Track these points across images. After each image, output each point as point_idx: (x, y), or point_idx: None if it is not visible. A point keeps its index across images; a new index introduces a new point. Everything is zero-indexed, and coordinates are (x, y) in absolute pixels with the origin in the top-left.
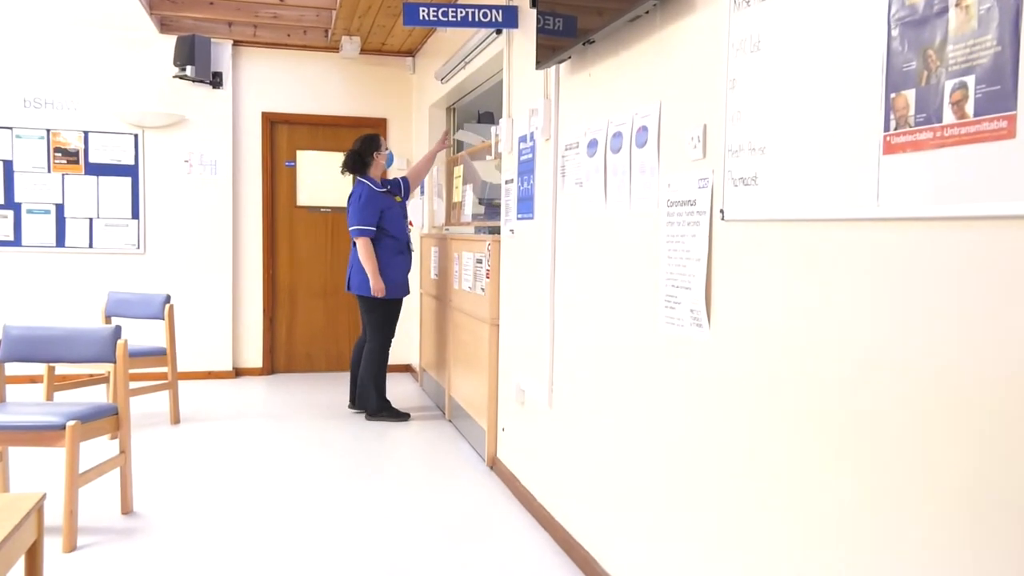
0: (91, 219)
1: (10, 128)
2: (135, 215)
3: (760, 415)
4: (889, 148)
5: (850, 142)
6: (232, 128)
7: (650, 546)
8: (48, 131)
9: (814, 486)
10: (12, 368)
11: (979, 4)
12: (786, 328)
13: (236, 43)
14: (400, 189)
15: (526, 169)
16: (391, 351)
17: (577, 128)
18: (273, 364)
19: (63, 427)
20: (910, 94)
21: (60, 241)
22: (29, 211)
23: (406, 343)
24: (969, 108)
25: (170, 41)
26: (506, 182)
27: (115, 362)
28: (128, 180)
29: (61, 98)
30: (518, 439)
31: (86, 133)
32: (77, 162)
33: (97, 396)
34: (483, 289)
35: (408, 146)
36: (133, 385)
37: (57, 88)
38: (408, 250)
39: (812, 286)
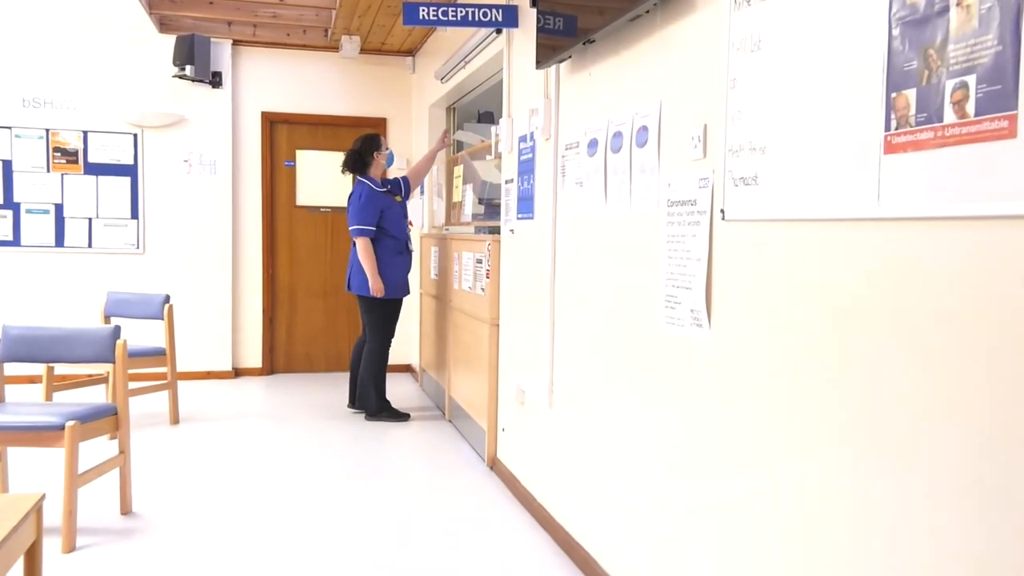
0: (90, 219)
1: (9, 128)
2: (134, 215)
3: (761, 415)
4: (890, 148)
5: (851, 142)
6: (231, 128)
7: (651, 547)
8: (47, 131)
9: (815, 486)
10: (11, 368)
11: (980, 3)
12: (787, 328)
13: (236, 42)
14: (400, 189)
15: (526, 169)
16: (391, 351)
17: (577, 128)
18: (273, 364)
19: (62, 427)
20: (911, 94)
21: (59, 241)
22: (28, 211)
23: (406, 343)
24: (970, 108)
25: (169, 40)
26: (506, 182)
27: (114, 362)
28: (127, 180)
29: (60, 98)
30: (518, 439)
31: (85, 133)
32: (76, 162)
33: (96, 396)
34: (483, 289)
35: (408, 146)
36: (132, 385)
37: (56, 88)
38: (408, 250)
39: (813, 286)
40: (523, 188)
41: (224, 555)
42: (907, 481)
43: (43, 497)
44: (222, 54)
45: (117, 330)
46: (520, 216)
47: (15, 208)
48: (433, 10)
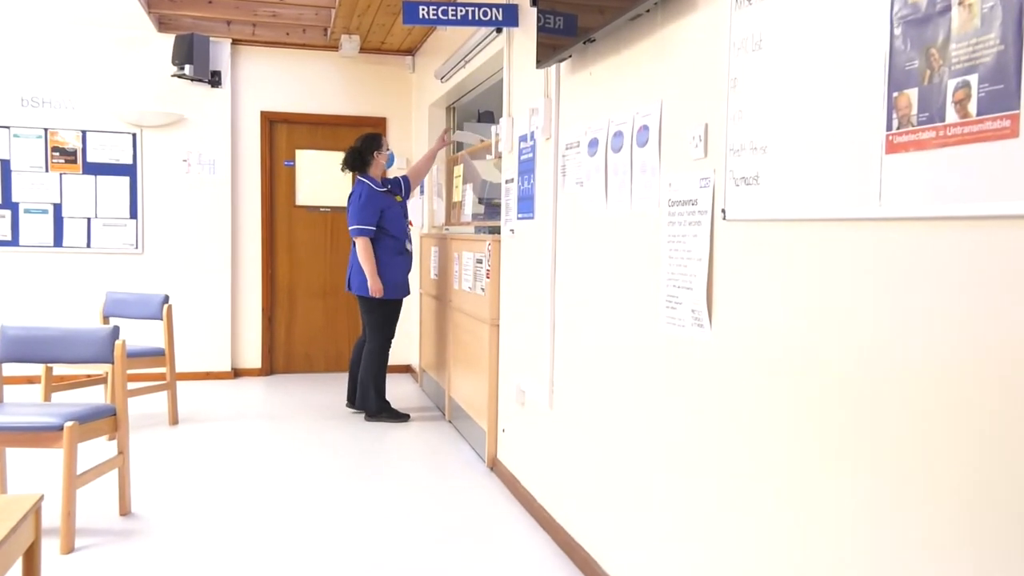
0: (89, 219)
1: (8, 127)
2: (133, 215)
3: (761, 416)
4: (891, 147)
5: (852, 141)
6: (231, 127)
7: (651, 548)
8: (46, 130)
9: (815, 487)
10: (10, 368)
11: (982, 3)
12: (788, 328)
13: (235, 42)
14: (400, 188)
15: (526, 168)
16: (391, 352)
17: (578, 127)
18: (272, 365)
19: (61, 428)
20: (913, 93)
21: (58, 241)
22: (27, 211)
23: (406, 343)
24: (972, 107)
25: (168, 40)
26: (506, 181)
27: (113, 363)
28: (126, 180)
29: (59, 97)
30: (518, 440)
31: (84, 132)
32: (75, 161)
33: (95, 397)
34: (483, 289)
35: (408, 145)
36: (131, 386)
37: (55, 87)
38: (408, 250)
39: (814, 286)
40: (523, 188)
41: (223, 556)
42: (908, 481)
43: (42, 498)
44: (221, 53)
45: (116, 330)
46: (520, 216)
47: (14, 208)
48: (433, 9)
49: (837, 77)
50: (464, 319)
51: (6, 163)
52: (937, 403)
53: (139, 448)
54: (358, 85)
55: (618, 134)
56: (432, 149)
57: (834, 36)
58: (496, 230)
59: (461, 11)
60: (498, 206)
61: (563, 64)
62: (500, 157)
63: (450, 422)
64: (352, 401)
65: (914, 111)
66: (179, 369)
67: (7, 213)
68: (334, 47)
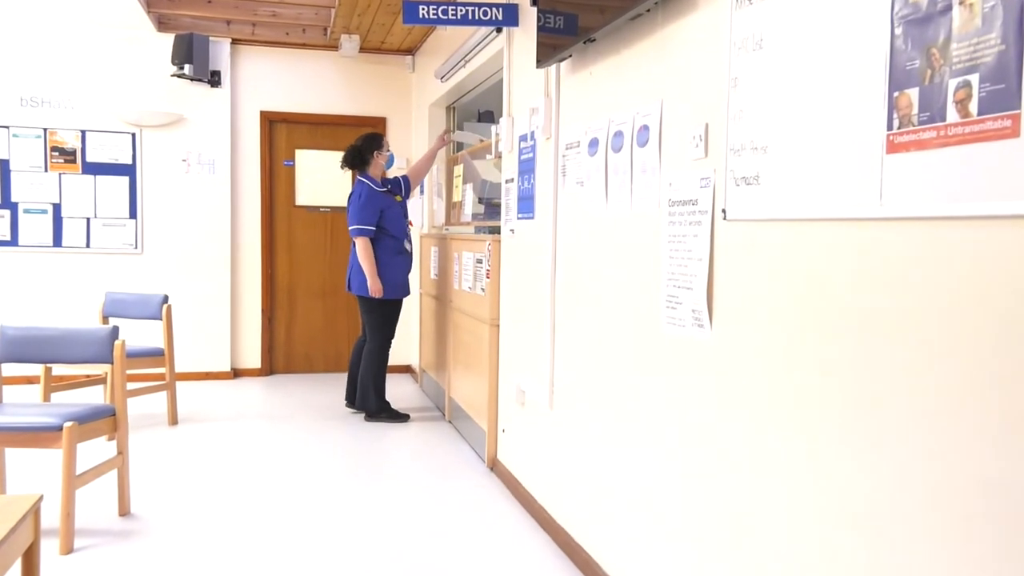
0: (88, 219)
1: (7, 127)
2: (133, 215)
3: (762, 416)
4: (892, 147)
5: (853, 141)
6: (230, 127)
7: (652, 548)
8: (45, 130)
9: (815, 486)
10: (9, 369)
11: (983, 2)
12: (789, 329)
13: (234, 41)
14: (400, 188)
15: (526, 168)
16: (391, 352)
17: (578, 127)
18: (272, 365)
19: (60, 428)
20: (913, 93)
21: (57, 241)
22: (26, 211)
23: (406, 344)
24: (973, 107)
25: (168, 39)
26: (506, 181)
27: (112, 363)
28: (126, 179)
29: (58, 97)
30: (518, 440)
31: (83, 132)
32: (74, 161)
33: (94, 397)
34: (483, 289)
35: (408, 145)
36: (131, 386)
37: (54, 87)
38: (408, 250)
39: (815, 286)
40: (523, 188)
41: (223, 556)
42: (909, 481)
43: (41, 498)
44: (221, 53)
45: (115, 330)
46: (520, 216)
47: (13, 208)
48: (433, 9)
49: (838, 77)
50: (464, 319)
51: (5, 163)
52: (938, 403)
53: (138, 448)
54: (358, 85)
55: (618, 134)
56: (432, 149)
57: (835, 36)
58: (496, 230)
59: (461, 11)
60: (498, 206)
61: (563, 64)
62: (500, 157)
63: (450, 422)
64: (351, 401)
65: (915, 111)
66: (178, 369)
67: (6, 213)
68: (334, 47)
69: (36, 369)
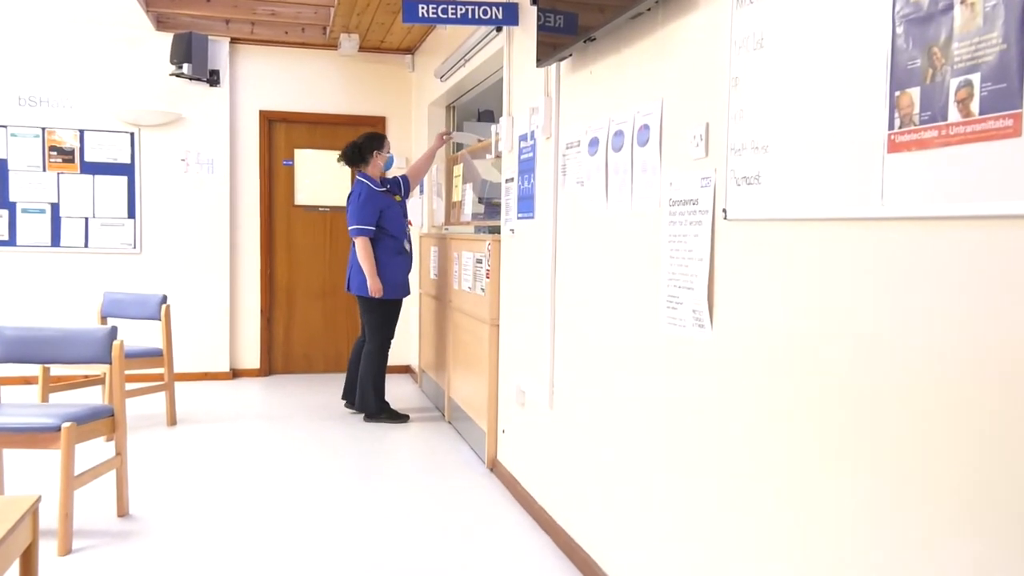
0: (87, 218)
1: (5, 126)
2: (131, 214)
3: (762, 417)
4: (893, 147)
5: (854, 141)
6: (229, 126)
7: (652, 549)
8: (43, 129)
9: (815, 487)
10: (7, 369)
11: (984, 1)
12: (789, 329)
13: (233, 40)
14: (400, 188)
15: (526, 168)
16: (390, 352)
17: (578, 126)
18: (271, 365)
19: (58, 429)
20: (915, 92)
21: (55, 241)
22: (24, 210)
23: (405, 344)
24: (974, 106)
25: (167, 38)
26: (506, 181)
27: (111, 363)
28: (124, 179)
29: (56, 96)
30: (518, 441)
31: (82, 131)
32: (73, 161)
33: (93, 397)
34: (483, 289)
35: (407, 144)
36: (129, 386)
37: (52, 86)
38: (407, 250)
39: (816, 286)
40: (523, 187)
41: (222, 557)
42: (908, 482)
43: (39, 499)
44: (220, 52)
45: (114, 331)
46: (520, 216)
47: (11, 208)
48: (432, 8)
49: (839, 76)
50: (464, 319)
51: (3, 163)
52: (937, 403)
53: (137, 449)
54: (357, 84)
55: (619, 133)
56: (431, 148)
57: (836, 35)
58: (496, 230)
59: (461, 10)
60: (498, 206)
61: (563, 63)
62: (500, 156)
63: (450, 423)
64: (350, 401)
65: (916, 110)
66: (177, 369)
67: (4, 213)
68: (333, 46)
69: (34, 369)
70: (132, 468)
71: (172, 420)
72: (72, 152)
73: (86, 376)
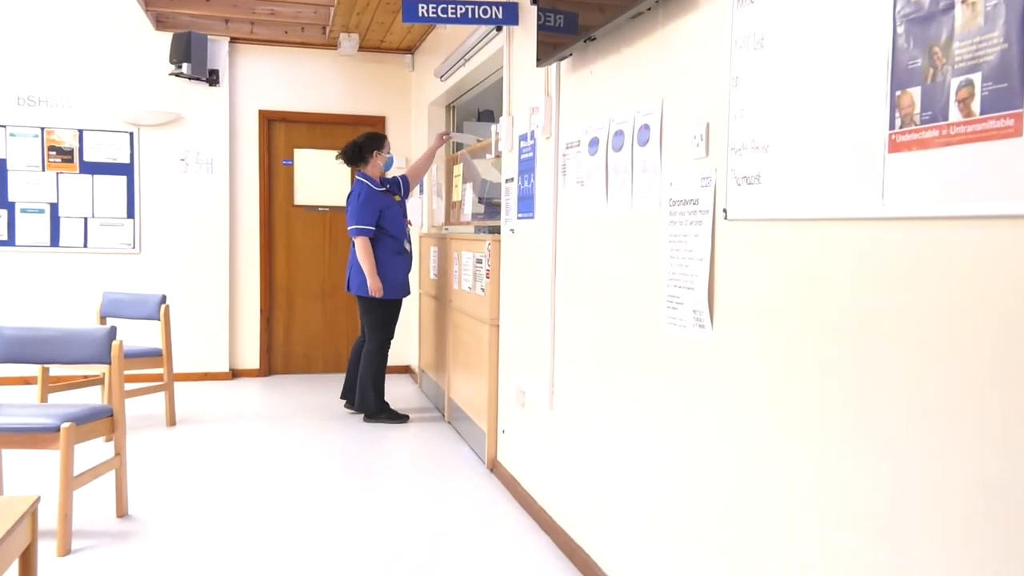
0: (86, 218)
1: (4, 126)
2: (130, 214)
3: (763, 417)
4: (894, 146)
5: (855, 140)
6: (229, 126)
7: (652, 549)
8: (42, 129)
9: (817, 488)
10: (6, 369)
11: (985, 1)
12: (790, 329)
13: (233, 40)
14: (399, 188)
15: (527, 168)
16: (390, 352)
17: (578, 126)
18: (270, 365)
19: (57, 429)
20: (916, 92)
21: (54, 241)
22: (23, 210)
23: (405, 344)
24: (975, 106)
25: (166, 38)
26: (506, 181)
27: (110, 363)
28: (123, 179)
29: (55, 96)
30: (518, 441)
31: (81, 131)
32: (72, 161)
33: (92, 398)
34: (483, 289)
35: (407, 144)
36: (128, 387)
37: (51, 86)
38: (407, 250)
39: (816, 286)
40: (523, 187)
41: (221, 558)
42: (910, 481)
43: (38, 500)
44: (219, 52)
45: (113, 331)
46: (520, 216)
47: (10, 208)
48: (432, 7)
49: (839, 76)
50: (464, 319)
51: (2, 162)
52: (938, 403)
53: (136, 449)
54: (357, 84)
55: (619, 133)
56: (431, 148)
57: (837, 34)
58: (496, 230)
59: (461, 9)
60: (498, 206)
61: (563, 63)
62: (500, 156)
63: (449, 423)
64: (349, 401)
65: (917, 110)
66: (177, 370)
67: (3, 213)
68: (333, 45)
69: (33, 370)
70: (131, 468)
71: (171, 420)
72: (71, 152)
73: (85, 376)
